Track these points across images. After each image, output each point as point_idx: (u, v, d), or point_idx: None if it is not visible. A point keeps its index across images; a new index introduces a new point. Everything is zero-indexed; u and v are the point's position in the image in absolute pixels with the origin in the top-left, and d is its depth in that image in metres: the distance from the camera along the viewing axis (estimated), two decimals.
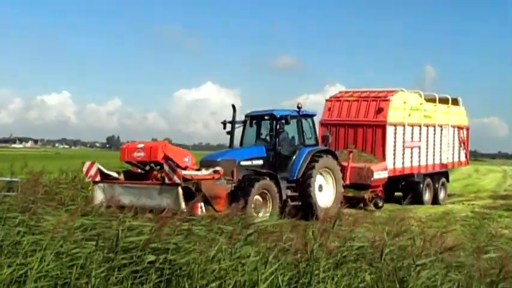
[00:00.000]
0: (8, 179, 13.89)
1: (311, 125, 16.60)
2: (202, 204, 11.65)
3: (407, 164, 19.47)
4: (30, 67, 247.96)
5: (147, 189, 12.56)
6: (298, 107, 15.82)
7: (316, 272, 4.52)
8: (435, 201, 20.57)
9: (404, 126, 19.19)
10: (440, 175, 21.50)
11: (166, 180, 11.91)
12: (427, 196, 20.33)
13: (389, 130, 18.57)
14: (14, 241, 5.74)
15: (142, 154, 13.02)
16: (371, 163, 17.83)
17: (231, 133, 16.26)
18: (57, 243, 5.64)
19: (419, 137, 20.14)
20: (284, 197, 14.27)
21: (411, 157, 19.71)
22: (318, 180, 15.39)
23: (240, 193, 13.06)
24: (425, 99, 20.90)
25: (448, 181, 22.43)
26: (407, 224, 10.55)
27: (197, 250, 4.89)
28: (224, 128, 16.25)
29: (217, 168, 13.00)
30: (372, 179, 17.22)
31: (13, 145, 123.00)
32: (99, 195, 12.81)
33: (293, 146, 15.81)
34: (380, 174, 17.62)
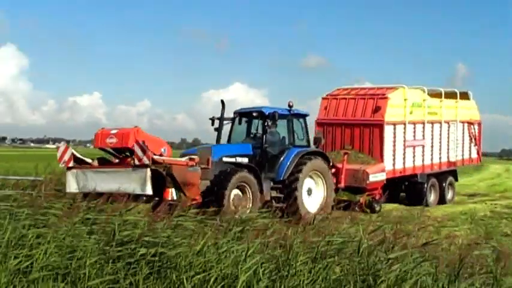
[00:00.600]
0: (32, 178, 14.32)
1: (303, 125, 16.03)
2: (173, 190, 11.56)
3: (409, 164, 18.60)
4: (63, 69, 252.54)
5: (116, 173, 12.27)
6: (289, 106, 15.33)
7: (293, 265, 4.92)
8: (442, 201, 19.65)
9: (404, 124, 18.27)
10: (447, 174, 20.44)
11: (136, 162, 11.63)
12: (432, 197, 19.41)
13: (388, 129, 17.74)
14: (20, 234, 6.25)
15: (114, 140, 12.64)
16: (367, 165, 17.11)
17: (218, 130, 15.83)
18: (60, 237, 6.15)
19: (423, 135, 19.18)
20: (268, 197, 13.93)
21: (413, 157, 18.81)
22: (307, 183, 14.84)
23: (216, 186, 12.79)
24: (430, 94, 19.87)
25: (456, 180, 21.23)
26: (423, 222, 10.70)
27: (185, 244, 5.33)
28: (212, 124, 15.84)
29: (192, 156, 12.80)
30: (368, 181, 16.53)
31: (46, 145, 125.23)
32: (72, 182, 12.55)
33: (282, 145, 15.30)
34: (377, 176, 16.91)
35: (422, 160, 19.22)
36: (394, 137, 17.96)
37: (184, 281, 4.92)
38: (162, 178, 11.62)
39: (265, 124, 14.77)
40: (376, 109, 17.80)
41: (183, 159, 12.66)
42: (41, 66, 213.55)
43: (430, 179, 19.36)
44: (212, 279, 4.88)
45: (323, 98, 19.63)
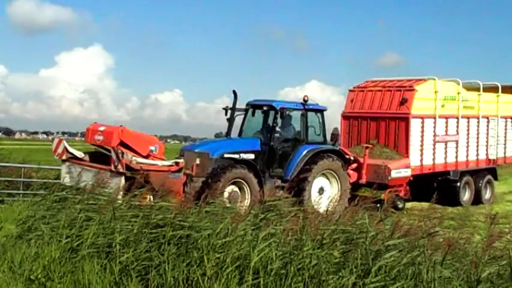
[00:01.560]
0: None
1: (320, 120, 15.22)
2: (151, 197, 10.82)
3: (439, 161, 17.81)
4: (145, 68, 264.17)
5: (98, 173, 11.88)
6: (304, 100, 14.65)
7: (302, 249, 5.60)
8: (478, 201, 18.55)
9: (435, 118, 17.48)
10: (485, 172, 19.35)
11: (112, 168, 11.48)
12: (466, 196, 18.46)
13: (415, 123, 17.01)
14: (72, 217, 7.27)
15: (101, 138, 12.58)
16: (390, 160, 16.46)
17: (230, 120, 15.24)
18: (105, 220, 7.10)
19: (457, 130, 18.29)
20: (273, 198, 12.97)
21: (445, 153, 17.99)
22: (319, 182, 14.32)
23: (211, 181, 12.42)
24: (466, 88, 18.92)
25: (495, 179, 19.98)
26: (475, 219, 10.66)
27: (209, 227, 6.13)
28: (226, 114, 15.25)
29: (179, 160, 12.33)
30: (389, 177, 15.84)
31: None
32: (65, 174, 12.78)
33: (294, 142, 14.63)
34: (400, 172, 16.23)
35: (456, 157, 18.41)
36: (422, 131, 17.27)
37: (205, 259, 5.72)
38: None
39: (274, 119, 14.31)
40: (403, 101, 17.13)
41: (168, 163, 12.23)
42: (125, 65, 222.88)
43: (464, 176, 18.53)
44: (229, 259, 5.66)
45: (350, 91, 19.06)
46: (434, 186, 17.98)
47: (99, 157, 12.50)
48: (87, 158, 12.81)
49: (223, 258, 5.73)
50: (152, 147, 12.32)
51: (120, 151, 11.50)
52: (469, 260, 5.62)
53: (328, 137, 15.29)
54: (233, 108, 15.04)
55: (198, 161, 12.82)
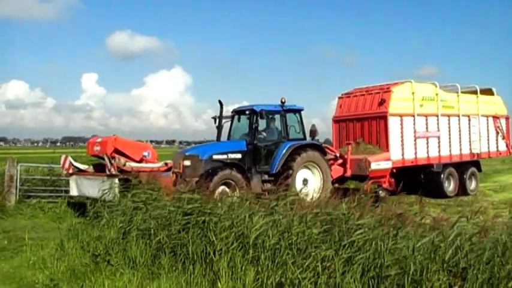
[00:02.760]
0: None
1: (298, 119, 16.80)
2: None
3: (421, 155, 19.23)
4: (219, 84, 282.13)
5: (96, 180, 13.01)
6: (281, 102, 16.05)
7: (291, 228, 7.07)
8: (464, 191, 20.22)
9: (413, 116, 18.96)
10: (469, 165, 20.95)
11: (107, 172, 12.50)
12: (450, 187, 20.08)
13: (393, 121, 18.45)
14: (125, 206, 9.18)
15: (99, 148, 13.62)
16: (371, 154, 17.92)
17: (218, 127, 16.86)
18: (151, 208, 8.94)
19: (437, 127, 19.79)
20: (259, 190, 14.49)
21: (427, 147, 19.44)
22: (303, 174, 15.84)
23: (203, 183, 12.60)
24: (444, 90, 20.51)
25: (479, 170, 21.70)
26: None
27: (224, 214, 7.78)
28: (215, 122, 16.95)
29: (168, 161, 13.63)
30: (370, 169, 17.26)
31: None
32: (73, 186, 14.13)
33: (276, 140, 16.05)
34: (379, 164, 17.66)
35: (439, 151, 19.81)
36: (402, 128, 18.64)
37: (213, 237, 7.37)
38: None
39: (256, 121, 15.68)
40: (381, 102, 18.68)
41: (157, 164, 13.46)
42: (201, 83, 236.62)
43: (447, 168, 20.01)
44: (231, 237, 7.26)
45: (339, 97, 20.89)
46: (422, 178, 19.54)
47: (103, 167, 13.38)
48: (91, 169, 14.13)
49: (229, 236, 7.34)
50: (145, 153, 13.65)
51: (111, 156, 12.69)
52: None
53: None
54: (220, 116, 16.83)
55: (188, 163, 14.16)
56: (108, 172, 12.42)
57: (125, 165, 12.77)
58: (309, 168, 16.10)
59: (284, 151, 15.62)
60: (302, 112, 17.05)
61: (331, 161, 17.81)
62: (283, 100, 16.03)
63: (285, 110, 16.25)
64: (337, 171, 17.62)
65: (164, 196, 10.97)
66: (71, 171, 14.11)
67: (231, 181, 14.15)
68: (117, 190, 11.90)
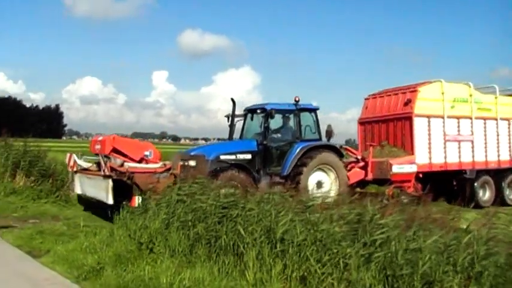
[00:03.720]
0: None
1: (314, 119, 16.17)
2: (139, 197, 11.81)
3: (452, 159, 18.30)
4: (286, 83, 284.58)
5: (95, 180, 13.03)
6: (295, 101, 15.51)
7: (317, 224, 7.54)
8: (502, 201, 18.83)
9: (443, 118, 18.11)
10: (508, 172, 19.63)
11: (101, 172, 12.39)
12: (485, 196, 18.98)
13: (419, 122, 17.71)
14: (170, 199, 9.91)
15: (99, 147, 13.56)
16: (394, 157, 17.30)
17: (230, 126, 16.45)
18: (192, 201, 9.61)
19: (471, 131, 18.84)
20: None
21: (459, 152, 18.51)
22: (317, 176, 15.24)
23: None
24: (480, 92, 19.50)
25: None
26: None
27: (254, 208, 8.33)
28: (228, 121, 16.59)
29: (167, 162, 13.25)
30: (391, 172, 16.61)
31: None
32: (77, 184, 14.25)
33: (289, 140, 15.59)
34: (402, 168, 16.95)
35: (472, 156, 18.84)
36: (429, 131, 17.88)
37: (241, 230, 7.95)
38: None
39: (266, 120, 15.28)
40: (407, 102, 17.98)
41: (158, 165, 13.03)
42: (269, 81, 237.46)
43: (482, 176, 18.97)
44: (259, 230, 7.80)
45: (365, 99, 20.31)
46: (454, 185, 18.63)
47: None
48: (94, 167, 13.83)
49: (257, 230, 7.90)
50: (147, 152, 13.46)
51: (107, 156, 12.78)
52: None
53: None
54: (233, 115, 16.44)
55: (194, 163, 13.92)
56: (102, 173, 12.34)
57: (122, 165, 12.64)
58: (324, 171, 15.55)
59: (296, 152, 15.18)
60: (318, 112, 16.46)
61: (352, 164, 17.50)
62: (297, 99, 15.58)
63: (299, 109, 15.77)
64: (357, 174, 17.17)
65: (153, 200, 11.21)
66: (75, 169, 14.21)
67: (235, 183, 13.28)
68: (110, 191, 11.93)
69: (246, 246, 7.85)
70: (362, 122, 20.16)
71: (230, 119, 16.55)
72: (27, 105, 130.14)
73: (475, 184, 18.72)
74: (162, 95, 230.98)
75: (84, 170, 13.86)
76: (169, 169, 12.72)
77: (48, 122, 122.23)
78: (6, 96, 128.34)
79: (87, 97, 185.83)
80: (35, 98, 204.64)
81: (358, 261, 6.73)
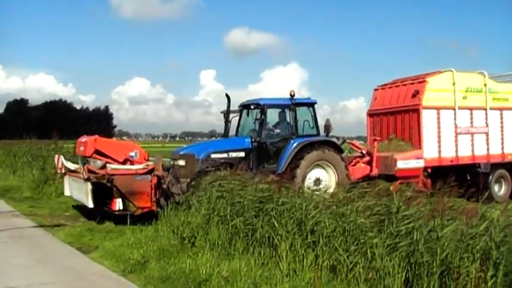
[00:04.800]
0: None
1: (312, 114, 15.78)
2: (120, 200, 12.06)
3: (464, 153, 17.80)
4: (334, 79, 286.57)
5: (78, 183, 13.02)
6: (290, 95, 15.22)
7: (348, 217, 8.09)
8: None
9: (454, 110, 17.59)
10: None
11: (81, 175, 12.32)
12: (501, 191, 18.33)
13: (427, 114, 17.22)
14: (211, 195, 10.62)
15: (82, 148, 13.30)
16: (400, 152, 16.89)
17: (225, 123, 16.06)
18: (231, 196, 10.30)
19: (486, 122, 18.25)
20: None
21: (472, 145, 18.00)
22: (316, 173, 14.83)
23: (193, 184, 12.90)
24: (497, 81, 18.88)
25: None
26: None
27: (288, 202, 8.96)
28: (224, 117, 16.17)
29: (150, 162, 13.05)
30: (396, 168, 16.21)
31: None
32: (66, 186, 14.30)
33: (285, 136, 15.25)
34: (408, 163, 16.55)
35: (487, 149, 18.30)
36: (439, 123, 17.39)
37: (275, 223, 8.59)
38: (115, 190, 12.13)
39: (261, 116, 14.97)
40: (414, 94, 17.50)
41: (141, 166, 12.82)
42: (317, 78, 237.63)
43: (498, 169, 18.37)
44: (290, 222, 8.43)
45: (374, 90, 19.81)
46: (468, 180, 17.54)
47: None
48: (80, 170, 13.06)
49: (289, 222, 8.54)
50: (132, 153, 13.18)
51: (85, 158, 12.88)
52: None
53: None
54: (228, 111, 16.03)
55: (183, 163, 14.05)
56: (82, 176, 12.29)
57: (103, 167, 12.73)
58: (323, 167, 15.14)
59: (292, 148, 14.82)
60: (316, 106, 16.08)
61: (357, 159, 17.24)
62: (292, 93, 15.33)
63: (294, 104, 15.43)
64: (362, 170, 16.88)
65: (138, 210, 11.96)
66: (63, 170, 14.10)
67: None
68: (90, 195, 12.02)
69: (280, 238, 8.48)
70: (371, 114, 19.76)
71: (225, 115, 16.22)
72: (78, 108, 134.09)
73: (490, 178, 18.15)
74: (210, 94, 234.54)
75: (72, 172, 13.71)
76: (152, 170, 12.66)
77: (98, 123, 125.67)
78: (57, 99, 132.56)
79: (136, 98, 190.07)
80: (85, 100, 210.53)
81: (384, 251, 7.26)
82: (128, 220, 12.17)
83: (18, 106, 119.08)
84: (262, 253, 8.65)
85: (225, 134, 16.28)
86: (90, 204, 12.18)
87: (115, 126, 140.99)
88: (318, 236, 8.13)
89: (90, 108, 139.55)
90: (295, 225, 8.46)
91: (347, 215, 8.15)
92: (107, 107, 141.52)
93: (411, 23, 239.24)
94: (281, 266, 8.12)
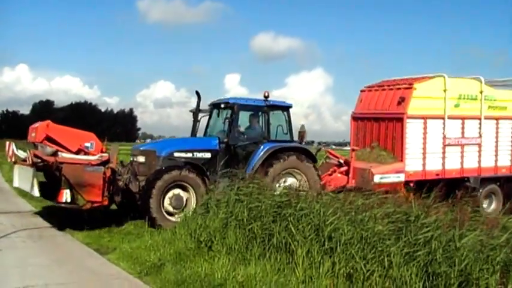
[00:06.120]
0: None
1: (286, 118, 15.01)
2: (67, 191, 11.57)
3: (452, 165, 16.77)
4: (359, 85, 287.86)
5: (24, 170, 12.49)
6: (264, 97, 14.55)
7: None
8: None
9: (443, 119, 16.50)
10: None
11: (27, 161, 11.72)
12: (492, 206, 17.26)
13: (412, 124, 16.12)
14: (228, 199, 10.74)
15: (34, 134, 12.58)
16: (378, 164, 15.85)
17: (193, 122, 15.32)
18: (249, 200, 10.39)
19: (479, 133, 17.24)
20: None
21: (461, 157, 16.98)
22: (287, 181, 13.90)
23: (146, 186, 12.72)
24: (495, 87, 17.76)
25: None
26: None
27: (307, 208, 9.01)
28: (193, 116, 15.44)
29: (104, 154, 12.43)
30: (372, 183, 14.99)
31: (344, 148, 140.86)
32: (15, 176, 13.48)
33: (255, 140, 14.56)
34: (388, 177, 15.46)
35: (479, 161, 17.36)
36: (425, 133, 16.39)
37: (293, 228, 8.66)
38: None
39: (230, 116, 14.25)
40: (400, 101, 16.34)
41: (94, 157, 12.29)
42: (341, 83, 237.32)
43: (488, 184, 17.36)
44: (308, 228, 8.49)
45: (361, 91, 18.52)
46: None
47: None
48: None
49: (306, 228, 8.58)
50: (87, 144, 12.52)
51: (33, 144, 12.22)
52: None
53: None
54: (197, 110, 15.29)
55: (143, 160, 13.61)
56: (27, 162, 11.80)
57: (54, 155, 12.00)
58: (294, 176, 14.41)
59: (261, 153, 14.16)
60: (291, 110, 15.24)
61: (334, 168, 16.52)
62: (266, 94, 14.61)
63: (268, 106, 14.69)
64: (339, 180, 15.96)
65: (87, 203, 11.54)
66: (13, 159, 13.27)
67: (186, 184, 13.08)
68: (35, 182, 11.51)
69: (297, 244, 8.53)
70: (355, 118, 18.33)
71: (194, 114, 15.47)
72: (102, 110, 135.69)
73: (479, 193, 16.98)
74: None
75: (23, 162, 12.84)
76: (106, 162, 12.19)
77: (122, 125, 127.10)
78: (82, 101, 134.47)
79: (160, 101, 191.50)
80: (110, 102, 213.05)
81: (401, 259, 7.27)
82: (147, 223, 12.33)
83: (44, 107, 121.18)
84: (278, 259, 8.66)
85: (193, 133, 15.47)
86: (36, 193, 11.70)
87: (139, 129, 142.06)
88: (336, 242, 8.14)
89: (115, 111, 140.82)
90: (312, 231, 8.48)
91: (365, 222, 8.15)
92: (131, 110, 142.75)
93: (442, 29, 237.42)
94: (297, 273, 8.13)
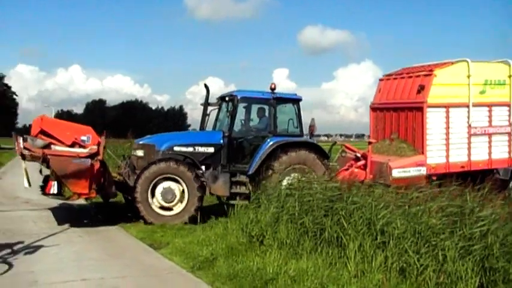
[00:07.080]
0: None
1: (296, 111, 14.39)
2: (55, 183, 11.69)
3: (479, 157, 15.82)
4: None
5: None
6: (271, 88, 14.03)
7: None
8: None
9: (468, 107, 15.58)
10: None
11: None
12: None
13: (434, 114, 15.26)
14: (278, 193, 10.82)
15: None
16: (398, 157, 15.07)
17: (202, 115, 15.04)
18: (300, 193, 10.44)
19: (509, 120, 16.17)
20: (225, 192, 13.45)
21: (489, 147, 15.95)
22: (293, 178, 12.55)
23: (136, 178, 12.62)
24: None
25: None
26: None
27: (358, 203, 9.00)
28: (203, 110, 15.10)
29: (94, 146, 12.20)
30: (391, 177, 14.24)
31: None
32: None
33: (261, 134, 14.12)
34: (406, 172, 14.61)
35: (509, 151, 16.25)
36: (448, 123, 15.46)
37: (344, 222, 8.66)
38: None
39: (234, 109, 13.85)
40: (419, 89, 15.48)
41: (84, 150, 12.14)
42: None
43: None
44: (360, 222, 8.48)
45: (380, 80, 17.73)
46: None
47: None
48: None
49: (358, 222, 8.58)
50: (84, 137, 12.42)
51: (25, 137, 12.20)
52: None
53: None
54: (206, 103, 14.98)
55: (141, 154, 13.51)
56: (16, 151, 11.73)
57: (46, 147, 11.99)
58: (302, 172, 13.39)
59: (266, 148, 13.64)
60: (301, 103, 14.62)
61: (351, 162, 15.78)
62: (272, 86, 14.12)
63: (275, 99, 14.15)
64: (356, 175, 14.76)
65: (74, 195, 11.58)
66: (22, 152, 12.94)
67: (178, 178, 12.84)
68: (24, 173, 11.67)
69: (348, 238, 8.54)
70: (374, 108, 17.58)
71: (203, 107, 15.17)
72: (153, 108, 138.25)
73: (510, 185, 16.01)
74: None
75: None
76: (95, 154, 12.09)
77: (173, 122, 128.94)
78: (133, 99, 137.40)
79: (209, 97, 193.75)
80: (161, 100, 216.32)
81: (456, 254, 7.20)
82: (198, 218, 12.55)
83: (96, 106, 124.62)
84: (330, 253, 8.67)
85: (202, 127, 15.10)
86: (25, 184, 11.84)
87: (189, 125, 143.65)
88: (388, 236, 8.12)
89: (165, 108, 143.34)
90: (364, 225, 8.48)
91: (419, 215, 8.10)
92: (181, 107, 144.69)
93: (487, 18, 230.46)
94: (349, 267, 8.12)
